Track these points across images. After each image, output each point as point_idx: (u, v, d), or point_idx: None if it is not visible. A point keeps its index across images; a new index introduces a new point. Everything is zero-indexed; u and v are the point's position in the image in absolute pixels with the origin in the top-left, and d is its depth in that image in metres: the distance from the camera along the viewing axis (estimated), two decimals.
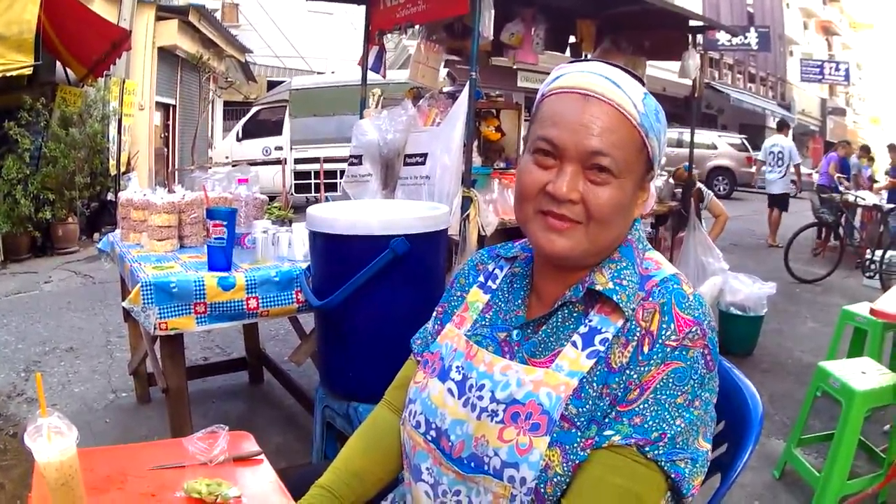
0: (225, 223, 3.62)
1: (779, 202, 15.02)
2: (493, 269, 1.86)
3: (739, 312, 6.93)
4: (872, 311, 4.63)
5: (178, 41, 17.92)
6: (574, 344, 1.55)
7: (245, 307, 3.64)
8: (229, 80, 25.48)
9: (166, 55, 18.21)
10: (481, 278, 1.87)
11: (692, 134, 7.95)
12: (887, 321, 4.76)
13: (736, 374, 1.91)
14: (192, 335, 3.86)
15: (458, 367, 1.67)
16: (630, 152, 1.52)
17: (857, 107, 63.64)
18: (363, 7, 6.44)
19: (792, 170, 14.87)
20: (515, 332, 1.65)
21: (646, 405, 1.44)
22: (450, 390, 1.65)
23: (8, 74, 9.55)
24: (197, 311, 3.52)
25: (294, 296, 3.77)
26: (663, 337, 1.46)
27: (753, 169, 27.27)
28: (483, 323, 1.75)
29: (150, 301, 3.41)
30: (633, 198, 1.59)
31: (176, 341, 3.69)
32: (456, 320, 1.81)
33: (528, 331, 1.64)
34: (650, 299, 1.51)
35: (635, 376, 1.46)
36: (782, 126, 16.68)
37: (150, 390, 5.36)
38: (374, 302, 3.29)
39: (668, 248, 7.61)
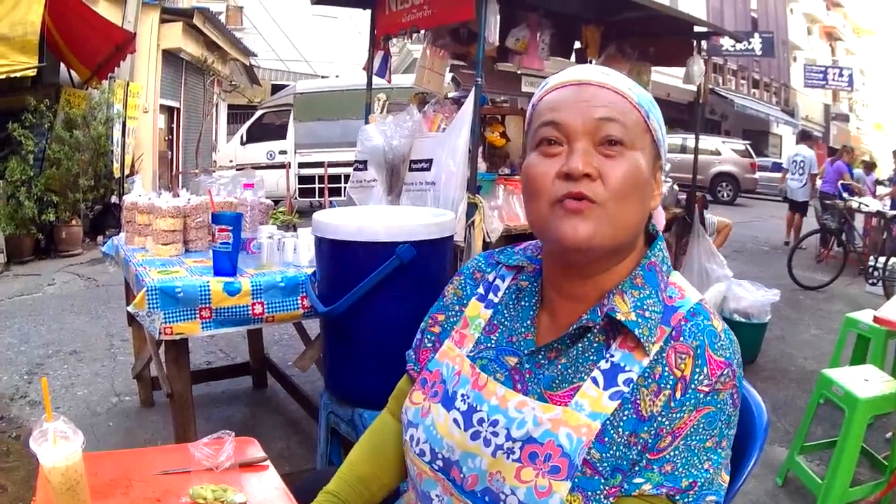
0: (231, 228, 3.62)
1: (800, 208, 15.49)
2: (494, 279, 1.76)
3: (743, 319, 6.92)
4: (876, 319, 4.63)
5: (182, 44, 17.92)
6: (595, 381, 1.46)
7: (250, 312, 3.64)
8: (233, 83, 25.52)
9: (170, 58, 18.21)
10: (480, 290, 1.77)
11: (696, 140, 7.95)
12: (891, 329, 4.77)
13: (741, 382, 1.91)
14: (195, 339, 3.87)
15: (463, 396, 1.58)
16: (636, 127, 1.47)
17: (861, 112, 63.67)
18: (368, 11, 6.45)
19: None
20: (526, 358, 1.55)
21: (676, 452, 1.39)
22: (455, 420, 1.56)
23: (12, 76, 9.58)
24: (202, 315, 3.52)
25: (299, 301, 3.77)
26: (696, 382, 1.40)
27: (757, 175, 27.37)
28: (488, 345, 1.64)
29: (155, 305, 3.41)
30: (649, 183, 1.50)
31: (181, 346, 3.69)
32: (455, 337, 1.72)
33: (541, 357, 1.54)
34: (681, 340, 1.43)
35: (667, 423, 1.40)
36: (805, 137, 17.01)
37: (154, 394, 5.36)
38: (379, 308, 3.29)
39: (672, 255, 7.60)
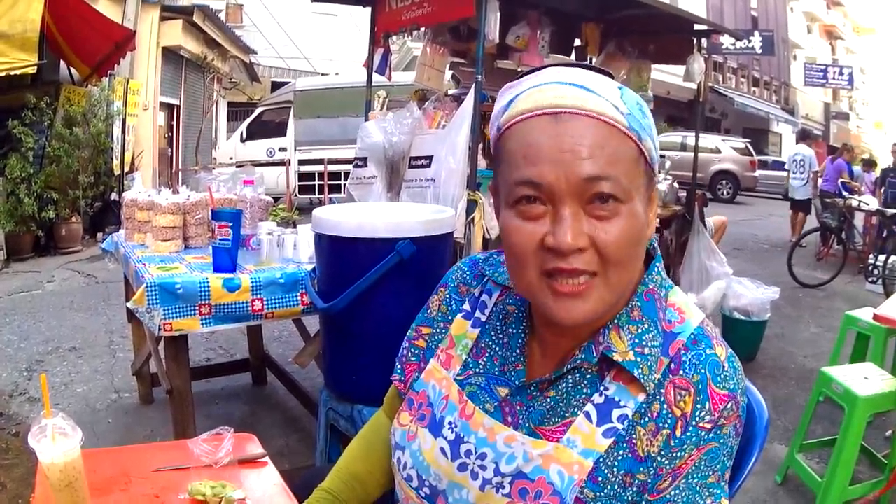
0: (230, 224, 3.62)
1: (802, 206, 15.71)
2: (480, 294, 1.63)
3: (743, 317, 6.93)
4: (876, 317, 4.63)
5: (182, 41, 17.94)
6: (587, 416, 1.36)
7: (250, 309, 3.64)
8: (233, 80, 25.53)
9: (170, 55, 18.22)
10: (466, 306, 1.64)
11: (697, 138, 7.95)
12: (890, 327, 4.77)
13: (748, 385, 1.90)
14: (195, 336, 3.87)
15: (450, 424, 1.50)
16: (629, 166, 1.27)
17: (861, 111, 63.68)
18: (368, 9, 6.45)
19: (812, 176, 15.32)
20: (517, 391, 1.45)
21: (677, 491, 1.30)
22: (442, 449, 1.48)
23: (12, 73, 9.58)
24: (202, 312, 3.52)
25: (299, 298, 3.77)
26: (697, 419, 1.29)
27: (757, 173, 27.38)
28: (476, 370, 1.54)
29: (154, 302, 3.41)
30: (646, 218, 1.34)
31: (180, 342, 3.69)
32: (441, 357, 1.61)
33: (532, 390, 1.44)
34: (681, 373, 1.32)
35: (667, 462, 1.31)
36: (805, 136, 17.29)
37: (153, 391, 5.36)
38: (379, 305, 3.29)
39: (672, 253, 7.60)
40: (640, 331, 1.36)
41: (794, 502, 4.43)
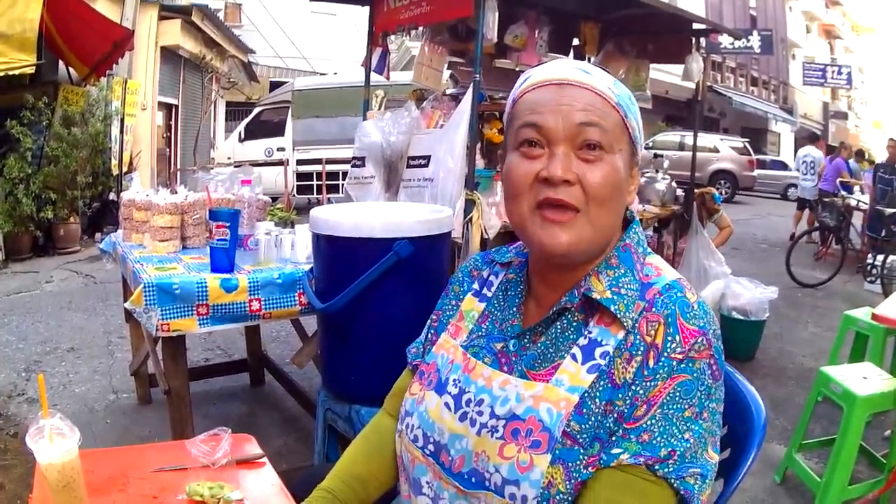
0: (228, 224, 3.62)
1: (811, 205, 15.83)
2: (489, 275, 1.82)
3: (741, 317, 6.93)
4: (874, 317, 4.63)
5: (180, 41, 17.93)
6: (574, 357, 1.50)
7: (248, 309, 3.63)
8: (232, 80, 25.50)
9: (169, 55, 18.22)
10: (476, 286, 1.83)
11: (695, 137, 7.96)
12: (889, 326, 4.77)
13: (739, 379, 1.90)
14: (193, 336, 3.87)
15: (455, 381, 1.64)
16: (614, 128, 1.49)
17: (859, 110, 63.71)
18: (367, 8, 6.44)
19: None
20: (512, 342, 1.61)
21: (653, 421, 1.39)
22: (446, 404, 1.61)
23: (10, 73, 9.57)
24: (199, 312, 3.52)
25: (297, 298, 3.77)
26: (668, 350, 1.41)
27: (755, 172, 27.42)
28: (479, 333, 1.71)
29: (152, 302, 3.41)
30: (626, 181, 1.55)
31: (178, 343, 3.69)
32: (451, 330, 1.78)
33: (526, 340, 1.60)
34: (653, 310, 1.46)
35: (641, 392, 1.41)
36: (814, 138, 17.52)
37: (151, 391, 5.36)
38: (377, 305, 3.29)
39: (671, 253, 7.60)
40: (616, 275, 1.54)
41: (792, 502, 4.43)
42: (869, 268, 11.23)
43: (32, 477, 1.80)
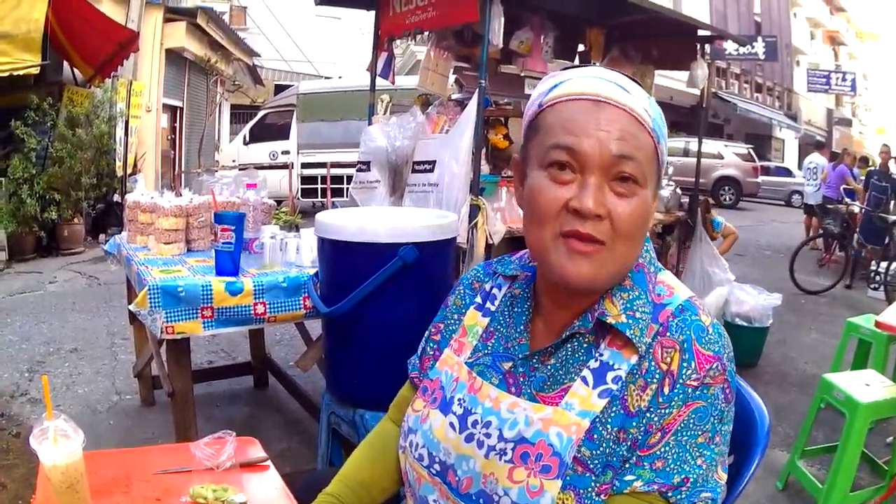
0: (233, 228, 3.63)
1: (814, 211, 15.89)
2: (491, 288, 1.76)
3: (744, 323, 6.93)
4: (878, 324, 4.63)
5: (185, 43, 17.93)
6: (584, 380, 1.46)
7: (252, 312, 3.64)
8: (237, 83, 25.50)
9: (174, 57, 18.20)
10: (478, 299, 1.77)
11: (699, 143, 7.95)
12: (892, 334, 4.77)
13: (743, 386, 1.90)
14: (197, 338, 3.87)
15: (460, 400, 1.60)
16: (648, 158, 1.43)
17: (863, 117, 63.68)
18: (372, 12, 6.44)
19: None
20: (520, 363, 1.56)
21: (667, 448, 1.38)
22: (451, 424, 1.58)
23: (15, 73, 9.58)
24: (204, 315, 3.52)
25: (301, 302, 3.77)
26: (684, 377, 1.39)
27: (759, 179, 27.43)
28: (485, 351, 1.65)
29: (157, 305, 3.41)
30: (653, 210, 1.50)
31: (182, 345, 3.70)
32: (454, 346, 1.73)
33: (535, 361, 1.54)
34: (668, 335, 1.43)
35: (656, 419, 1.39)
36: (820, 145, 17.80)
37: (155, 393, 5.36)
38: (381, 309, 3.29)
39: (674, 259, 7.59)
40: (631, 297, 1.49)
41: None
42: (873, 275, 11.23)
43: (34, 477, 1.81)
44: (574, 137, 1.40)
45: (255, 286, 3.63)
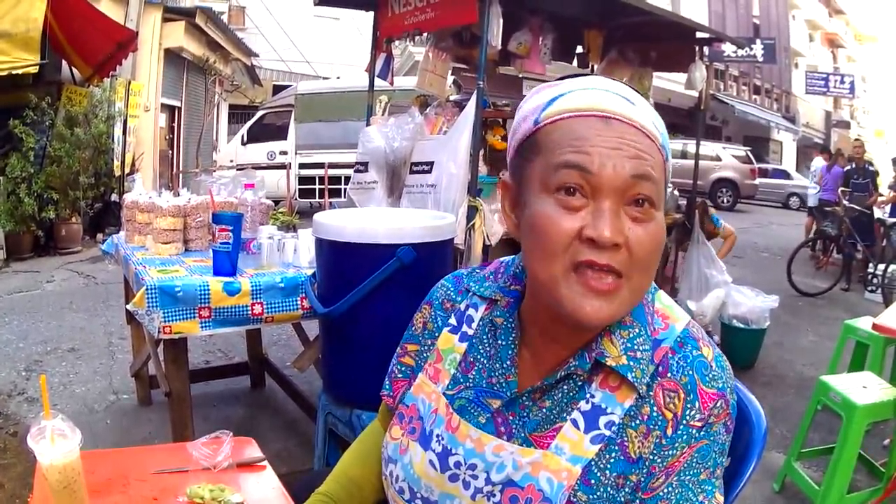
0: (231, 228, 3.63)
1: (812, 213, 16.23)
2: (466, 307, 1.62)
3: (742, 325, 6.94)
4: (875, 326, 4.63)
5: (184, 43, 17.92)
6: (574, 423, 1.37)
7: (250, 312, 3.65)
8: (235, 83, 25.53)
9: (172, 57, 18.20)
10: (452, 321, 1.63)
11: (697, 145, 7.95)
12: (889, 336, 4.77)
13: (740, 388, 1.89)
14: (194, 338, 3.88)
15: (438, 436, 1.50)
16: (660, 177, 1.29)
17: (862, 119, 63.65)
18: (371, 13, 6.45)
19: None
20: (509, 402, 1.45)
21: (670, 489, 1.32)
22: (430, 462, 1.49)
23: (14, 72, 9.59)
24: (201, 315, 3.53)
25: (299, 302, 3.78)
26: (688, 418, 1.32)
27: (757, 181, 27.47)
28: (466, 384, 1.53)
29: (154, 304, 3.41)
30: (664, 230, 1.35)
31: (179, 345, 3.71)
32: (430, 371, 1.61)
33: (524, 399, 1.44)
34: (669, 375, 1.35)
35: (659, 461, 1.33)
36: (824, 150, 18.13)
37: (152, 393, 5.36)
38: (378, 310, 3.30)
39: (672, 261, 7.60)
40: (631, 335, 1.38)
41: None
42: (870, 277, 11.24)
43: (32, 476, 1.81)
44: (587, 156, 1.25)
45: (252, 286, 3.63)
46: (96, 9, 11.82)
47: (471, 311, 1.61)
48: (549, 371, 1.43)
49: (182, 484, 1.84)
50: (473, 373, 1.53)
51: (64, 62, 12.81)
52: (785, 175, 32.07)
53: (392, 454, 1.58)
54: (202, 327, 3.56)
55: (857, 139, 14.74)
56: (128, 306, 3.76)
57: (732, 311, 6.99)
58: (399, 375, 1.73)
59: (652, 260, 1.29)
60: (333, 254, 3.41)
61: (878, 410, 4.12)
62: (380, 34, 6.37)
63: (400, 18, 5.90)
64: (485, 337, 1.55)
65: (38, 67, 9.94)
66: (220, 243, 3.65)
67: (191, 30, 18.23)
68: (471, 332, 1.59)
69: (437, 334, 1.65)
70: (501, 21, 5.16)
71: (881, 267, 10.86)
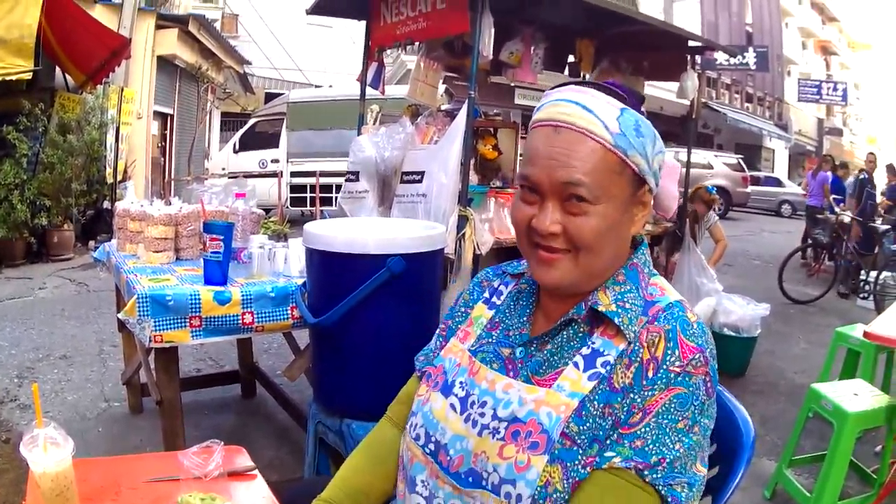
0: (222, 237, 3.64)
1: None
2: (499, 285, 1.90)
3: (733, 333, 6.95)
4: (866, 334, 4.64)
5: (177, 51, 17.89)
6: (576, 364, 1.57)
7: (240, 322, 3.64)
8: (227, 91, 25.47)
9: (165, 64, 18.17)
10: (486, 294, 1.90)
11: (689, 153, 7.96)
12: (881, 343, 4.78)
13: (728, 397, 1.92)
14: (185, 346, 3.88)
15: (461, 383, 1.70)
16: (606, 177, 1.54)
17: (854, 127, 63.81)
18: (363, 22, 6.45)
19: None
20: (519, 349, 1.68)
21: (647, 429, 1.46)
22: (452, 405, 1.67)
23: (7, 79, 9.57)
24: (192, 324, 3.53)
25: (289, 311, 3.78)
26: (667, 363, 1.48)
27: (749, 189, 27.51)
28: (488, 340, 1.77)
29: (145, 313, 3.42)
30: (624, 219, 1.60)
31: (170, 353, 3.71)
32: (460, 335, 1.84)
33: (532, 348, 1.66)
34: (655, 324, 1.54)
35: (638, 400, 1.48)
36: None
37: (143, 400, 5.35)
38: (369, 320, 3.30)
39: (662, 270, 7.60)
40: (622, 290, 1.63)
41: None
42: (862, 284, 11.27)
43: (24, 483, 1.82)
44: (532, 168, 1.58)
45: (242, 296, 3.63)
46: (90, 15, 11.80)
47: (501, 287, 1.90)
48: (556, 323, 1.67)
49: (173, 492, 1.84)
50: (497, 331, 1.79)
51: (57, 69, 12.80)
52: (777, 183, 32.17)
53: (415, 408, 1.79)
54: (193, 336, 3.56)
55: (870, 153, 14.76)
56: (119, 315, 3.76)
57: (723, 320, 7.01)
58: (434, 348, 1.96)
59: (593, 243, 1.56)
60: (324, 264, 3.41)
61: (869, 418, 4.13)
62: (372, 44, 6.36)
63: (392, 28, 5.90)
64: (511, 303, 1.83)
65: (31, 74, 9.91)
66: (211, 252, 3.66)
67: (184, 37, 18.21)
68: (499, 302, 1.87)
69: (472, 305, 1.92)
70: (493, 31, 5.16)
71: (873, 274, 10.88)
